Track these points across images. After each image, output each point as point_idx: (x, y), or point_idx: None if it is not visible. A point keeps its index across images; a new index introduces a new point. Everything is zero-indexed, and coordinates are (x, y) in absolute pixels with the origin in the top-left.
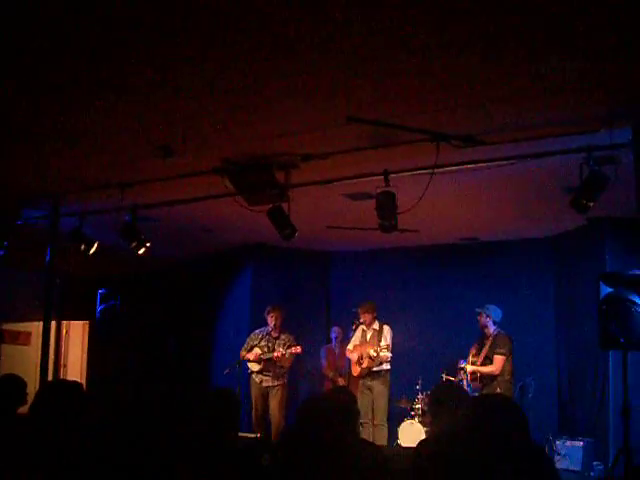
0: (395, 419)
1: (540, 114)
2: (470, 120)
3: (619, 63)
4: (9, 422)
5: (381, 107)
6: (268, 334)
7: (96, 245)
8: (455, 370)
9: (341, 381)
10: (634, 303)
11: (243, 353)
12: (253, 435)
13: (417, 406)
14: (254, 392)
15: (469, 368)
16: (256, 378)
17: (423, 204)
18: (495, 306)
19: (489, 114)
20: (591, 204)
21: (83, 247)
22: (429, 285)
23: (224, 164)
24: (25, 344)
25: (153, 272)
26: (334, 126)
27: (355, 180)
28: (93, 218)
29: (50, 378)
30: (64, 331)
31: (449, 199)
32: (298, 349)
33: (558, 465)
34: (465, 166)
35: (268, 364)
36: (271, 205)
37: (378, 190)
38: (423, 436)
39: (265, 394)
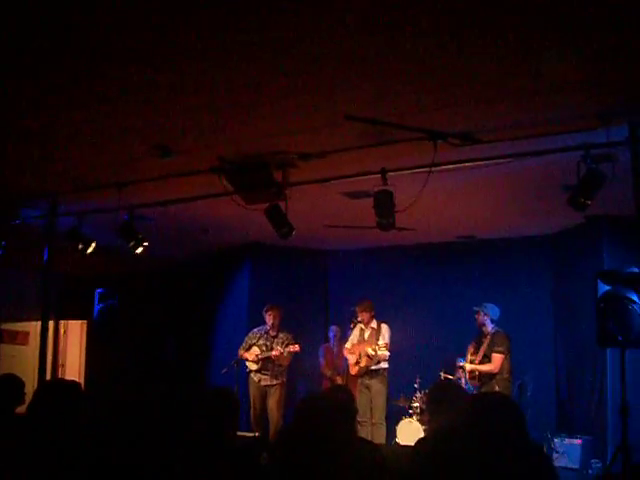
0: (393, 418)
1: (537, 112)
2: (467, 118)
3: (616, 61)
4: (7, 422)
5: (379, 106)
6: (266, 333)
7: (94, 245)
8: (453, 368)
9: (339, 380)
10: (632, 301)
11: (241, 352)
12: (251, 434)
13: (415, 404)
14: (252, 391)
15: (468, 367)
16: (254, 377)
17: (421, 202)
18: (493, 304)
19: (487, 112)
20: (589, 202)
21: (81, 246)
22: (427, 283)
23: (221, 163)
24: (23, 344)
25: (151, 271)
26: (332, 125)
27: (353, 179)
28: (91, 217)
29: (48, 378)
30: (62, 331)
31: (447, 197)
32: (296, 347)
33: (556, 463)
34: (463, 164)
35: (266, 363)
36: (268, 204)
37: (376, 188)
38: (421, 434)
39: (264, 393)
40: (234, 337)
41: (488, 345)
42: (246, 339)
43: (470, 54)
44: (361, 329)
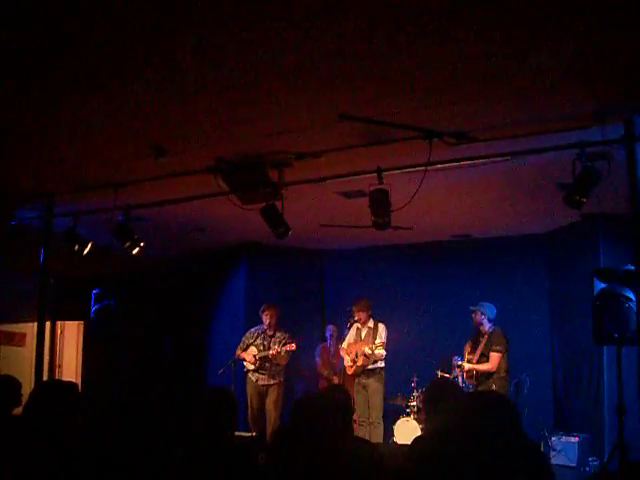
0: (391, 417)
1: (533, 111)
2: (463, 117)
3: (612, 59)
4: (4, 423)
5: (374, 105)
6: (263, 332)
7: (90, 245)
8: (450, 367)
9: (336, 379)
10: (628, 298)
11: (239, 352)
12: (249, 434)
13: (412, 403)
14: (250, 391)
15: (466, 366)
16: (252, 377)
17: (416, 201)
18: (489, 304)
19: (482, 111)
20: (584, 200)
21: (77, 247)
22: (423, 282)
23: (217, 163)
24: (20, 345)
25: (147, 272)
26: (327, 124)
27: (348, 178)
28: (87, 218)
29: (45, 379)
30: (59, 331)
31: (442, 196)
32: (293, 346)
33: (554, 461)
34: (458, 163)
35: (264, 362)
36: (264, 204)
37: (371, 188)
38: (419, 433)
39: (261, 393)
40: (231, 337)
41: (486, 344)
42: (243, 339)
43: (464, 52)
44: (358, 328)
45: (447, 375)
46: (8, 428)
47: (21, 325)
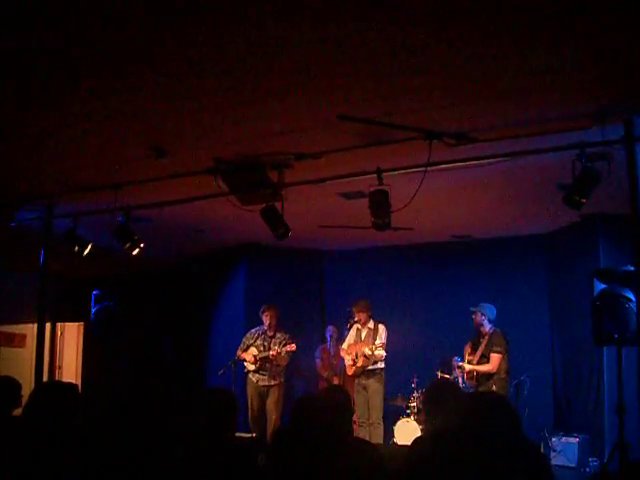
0: (391, 417)
1: (533, 111)
2: (462, 118)
3: (611, 59)
4: (4, 424)
5: (374, 106)
6: (264, 333)
7: (90, 246)
8: (450, 368)
9: (336, 380)
10: (628, 299)
11: (239, 353)
12: (249, 435)
13: (413, 404)
14: (250, 391)
15: (467, 367)
16: (253, 378)
17: (416, 202)
18: (490, 304)
19: (482, 112)
20: (584, 201)
21: (77, 248)
22: (423, 283)
23: (217, 164)
24: (20, 346)
25: (147, 273)
26: (327, 125)
27: (348, 179)
28: (87, 219)
29: (45, 380)
30: (59, 332)
31: (442, 197)
32: (293, 347)
33: (554, 461)
34: (458, 164)
35: (264, 363)
36: (264, 205)
37: (371, 188)
38: (419, 434)
39: (262, 393)
40: (231, 338)
41: (486, 345)
42: (244, 340)
43: (464, 53)
44: (358, 329)
45: (447, 376)
46: (8, 429)
47: (21, 326)
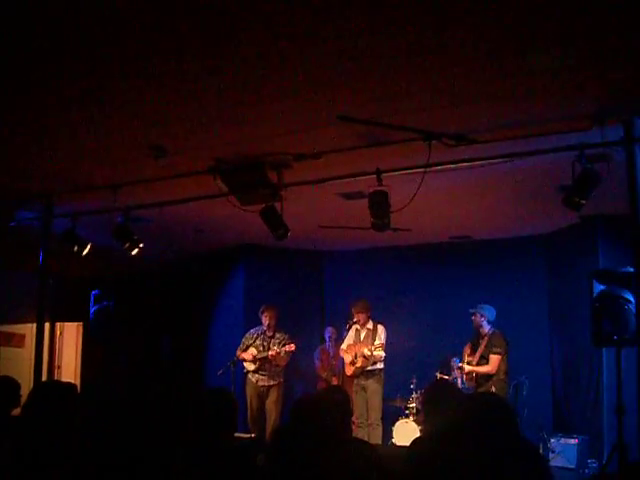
0: (390, 418)
1: (532, 112)
2: (462, 119)
3: (611, 61)
4: (3, 424)
5: (374, 106)
6: (263, 333)
7: (89, 246)
8: (449, 369)
9: (335, 381)
10: (627, 300)
11: (239, 353)
12: (248, 435)
13: (412, 405)
14: (249, 392)
15: (467, 368)
16: (252, 378)
17: (416, 203)
18: (489, 306)
19: (481, 112)
20: (583, 202)
21: (76, 248)
22: (422, 284)
23: (216, 164)
24: (19, 346)
25: (146, 273)
26: (327, 125)
27: (348, 179)
28: (86, 219)
29: (44, 380)
30: (58, 332)
31: (442, 198)
32: (292, 347)
33: (553, 463)
34: (457, 165)
35: (264, 363)
36: (264, 205)
37: (371, 189)
38: (418, 435)
39: (261, 394)
40: (230, 338)
41: (486, 346)
42: (243, 340)
43: (464, 54)
44: (357, 330)
45: (446, 377)
46: (6, 429)
47: (20, 326)
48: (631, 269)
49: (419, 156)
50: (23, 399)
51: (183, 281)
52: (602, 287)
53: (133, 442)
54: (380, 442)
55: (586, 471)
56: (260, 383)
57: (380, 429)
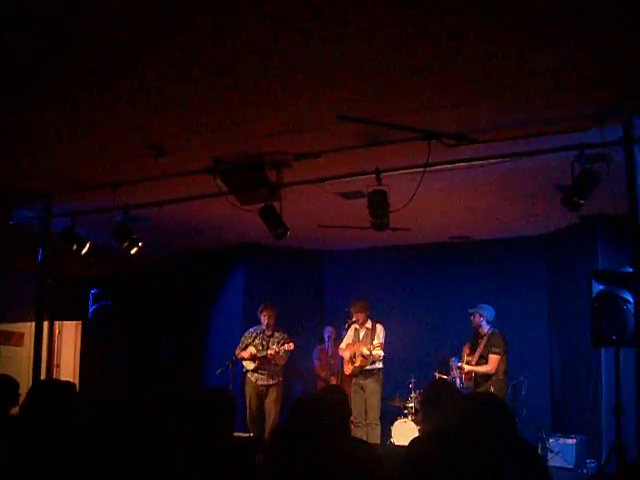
0: (388, 418)
1: (532, 112)
2: (462, 118)
3: (611, 60)
4: (1, 423)
5: (373, 106)
6: (262, 332)
7: (88, 245)
8: (448, 368)
9: (334, 380)
10: (626, 300)
11: (238, 352)
12: (247, 434)
13: (410, 404)
14: (249, 391)
15: (466, 368)
16: (251, 377)
17: (415, 202)
18: (488, 306)
19: (481, 112)
20: (583, 202)
21: (75, 247)
22: (422, 284)
23: (216, 163)
24: (18, 345)
25: (146, 272)
26: (326, 125)
27: (347, 179)
28: (85, 218)
29: (43, 378)
30: (57, 331)
31: (441, 197)
32: (291, 346)
33: (551, 463)
34: (457, 164)
35: (263, 362)
36: (263, 204)
37: (370, 189)
38: (416, 434)
39: (260, 393)
40: (229, 337)
41: (485, 346)
42: (242, 339)
43: (464, 53)
44: (356, 329)
45: (445, 376)
46: (5, 427)
47: (19, 325)
48: (630, 269)
49: (419, 156)
50: (22, 398)
51: (182, 280)
52: (601, 287)
53: (132, 441)
54: (379, 441)
55: (584, 471)
56: (259, 382)
57: (379, 429)
